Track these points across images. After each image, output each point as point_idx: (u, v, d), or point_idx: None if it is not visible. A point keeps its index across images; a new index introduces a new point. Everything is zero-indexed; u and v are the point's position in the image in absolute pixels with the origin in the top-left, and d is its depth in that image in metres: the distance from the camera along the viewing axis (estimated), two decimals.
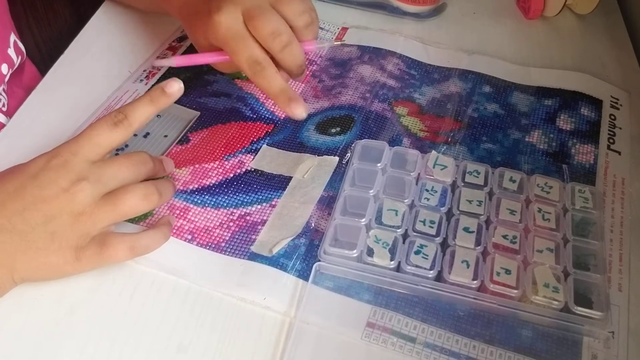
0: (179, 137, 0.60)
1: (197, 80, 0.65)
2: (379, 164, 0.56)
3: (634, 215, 0.55)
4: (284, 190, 0.56)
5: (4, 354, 0.45)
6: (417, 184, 0.55)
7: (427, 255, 0.49)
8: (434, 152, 0.57)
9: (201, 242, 0.52)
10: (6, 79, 0.62)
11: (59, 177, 0.46)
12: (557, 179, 0.55)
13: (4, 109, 0.62)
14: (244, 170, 0.58)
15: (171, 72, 0.66)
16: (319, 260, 0.50)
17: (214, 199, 0.55)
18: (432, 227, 0.51)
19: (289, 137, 0.61)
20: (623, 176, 0.59)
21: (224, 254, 0.51)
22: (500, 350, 0.46)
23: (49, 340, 0.46)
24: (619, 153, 0.61)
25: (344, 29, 0.74)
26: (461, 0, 0.80)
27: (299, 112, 0.53)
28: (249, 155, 0.59)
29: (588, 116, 0.64)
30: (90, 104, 0.62)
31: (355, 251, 0.49)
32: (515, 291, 0.47)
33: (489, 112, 0.64)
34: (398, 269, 0.49)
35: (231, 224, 0.53)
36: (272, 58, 0.54)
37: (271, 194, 0.56)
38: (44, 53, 0.83)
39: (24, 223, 0.45)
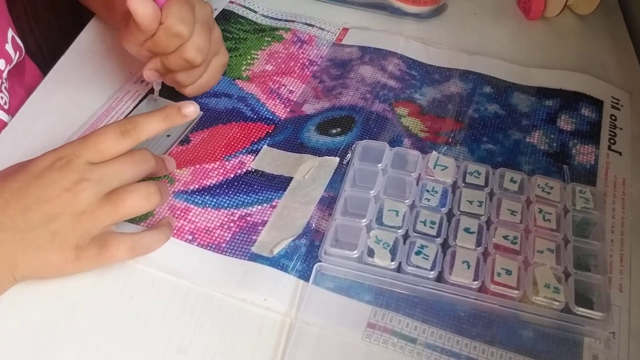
0: (181, 137, 0.60)
1: None
2: (379, 165, 0.56)
3: (635, 216, 0.55)
4: (285, 190, 0.56)
5: (4, 354, 0.45)
6: (417, 184, 0.55)
7: (428, 256, 0.49)
8: (434, 152, 0.57)
9: (202, 242, 0.52)
10: (4, 75, 0.62)
11: (61, 177, 0.46)
12: (558, 179, 0.55)
13: (5, 107, 0.62)
14: (244, 170, 0.58)
15: None
16: (320, 261, 0.50)
17: (215, 200, 0.55)
18: (432, 228, 0.51)
19: (290, 137, 0.61)
20: (624, 177, 0.59)
21: (225, 254, 0.51)
22: (501, 351, 0.46)
23: (48, 340, 0.45)
24: (620, 153, 0.61)
25: (345, 30, 0.74)
26: (462, 0, 0.80)
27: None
28: (249, 155, 0.59)
29: (589, 117, 0.64)
30: (91, 104, 0.62)
31: (355, 252, 0.49)
32: (516, 292, 0.47)
33: (489, 112, 0.64)
34: (399, 269, 0.49)
35: (232, 224, 0.53)
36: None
37: (272, 195, 0.56)
38: (45, 53, 0.83)
39: (26, 222, 0.45)
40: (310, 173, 0.57)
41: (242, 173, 0.57)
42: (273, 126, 0.62)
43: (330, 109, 0.64)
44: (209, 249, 0.51)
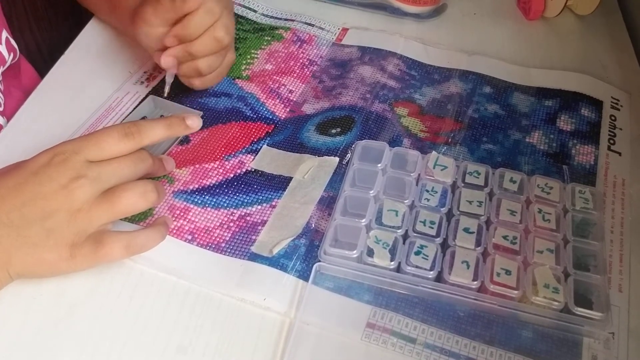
0: (180, 137, 0.60)
1: None
2: (379, 165, 0.56)
3: (634, 216, 0.55)
4: (284, 190, 0.56)
5: (4, 355, 0.45)
6: (417, 184, 0.55)
7: (427, 256, 0.49)
8: (434, 152, 0.57)
9: (201, 242, 0.52)
10: None
11: (58, 174, 0.46)
12: (558, 179, 0.55)
13: (0, 109, 0.62)
14: (244, 170, 0.58)
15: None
16: (319, 261, 0.50)
17: (214, 199, 0.55)
18: (432, 228, 0.51)
19: (290, 137, 0.61)
20: (623, 177, 0.59)
21: (224, 254, 0.51)
22: (500, 351, 0.46)
23: (48, 341, 0.45)
24: (620, 154, 0.61)
25: (345, 30, 0.74)
26: (462, 1, 0.80)
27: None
28: (249, 155, 0.59)
29: (588, 117, 0.64)
30: (91, 105, 0.62)
31: (355, 252, 0.49)
32: (516, 292, 0.47)
33: (489, 112, 0.64)
34: (398, 269, 0.49)
35: (231, 224, 0.53)
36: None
37: (271, 195, 0.56)
38: (44, 53, 0.83)
39: (22, 218, 0.45)
40: (309, 173, 0.57)
41: (242, 173, 0.57)
42: (273, 126, 0.62)
43: (330, 109, 0.64)
44: (208, 249, 0.51)
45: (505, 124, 0.63)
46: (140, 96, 0.64)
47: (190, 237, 0.52)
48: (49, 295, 0.48)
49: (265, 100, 0.64)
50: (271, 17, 0.75)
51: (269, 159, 0.58)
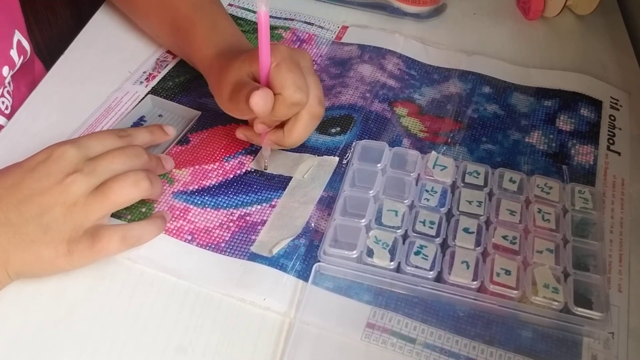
0: (180, 136, 0.60)
1: (197, 81, 0.65)
2: (378, 165, 0.56)
3: (634, 216, 0.55)
4: (284, 190, 0.56)
5: (3, 355, 0.45)
6: (417, 184, 0.55)
7: (427, 256, 0.49)
8: (433, 152, 0.57)
9: (201, 242, 0.52)
10: (6, 81, 0.62)
11: (55, 170, 0.46)
12: (557, 179, 0.55)
13: (7, 112, 0.62)
14: (243, 171, 0.57)
15: (173, 73, 0.66)
16: (319, 261, 0.50)
17: (214, 200, 0.55)
18: (432, 228, 0.51)
19: None
20: (623, 177, 0.59)
21: (224, 254, 0.51)
22: (500, 351, 0.46)
23: (48, 341, 0.45)
24: (619, 154, 0.61)
25: (344, 28, 0.74)
26: (461, 0, 0.80)
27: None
28: (249, 156, 0.59)
29: (588, 117, 0.64)
30: (90, 105, 0.62)
31: (355, 252, 0.49)
32: (515, 292, 0.47)
33: (488, 112, 0.64)
34: (398, 269, 0.49)
35: (231, 224, 0.53)
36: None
37: (271, 194, 0.56)
38: (44, 53, 0.83)
39: (19, 216, 0.45)
40: (309, 172, 0.57)
41: (242, 173, 0.57)
42: None
43: (329, 108, 0.63)
44: (208, 249, 0.51)
45: (505, 124, 0.63)
46: (140, 96, 0.64)
47: (190, 238, 0.52)
48: (48, 295, 0.48)
49: None
50: (270, 16, 0.75)
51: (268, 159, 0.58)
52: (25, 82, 0.67)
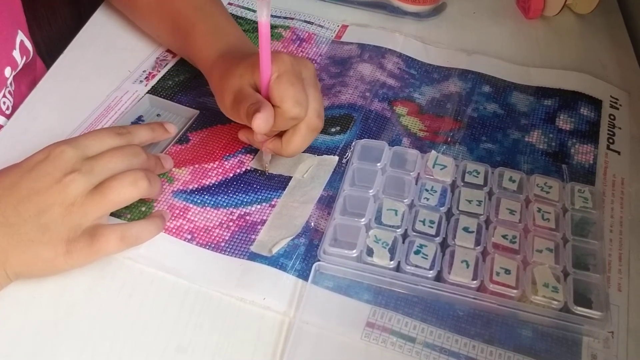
0: (179, 135, 0.60)
1: (197, 80, 0.65)
2: (378, 164, 0.56)
3: (634, 215, 0.55)
4: (284, 190, 0.56)
5: (3, 355, 0.45)
6: (416, 183, 0.55)
7: (427, 255, 0.49)
8: (433, 152, 0.57)
9: (201, 241, 0.52)
10: (8, 82, 0.62)
11: (53, 169, 0.46)
12: (557, 178, 0.55)
13: (7, 112, 0.62)
14: (243, 170, 0.57)
15: (173, 72, 0.66)
16: (319, 260, 0.50)
17: (214, 199, 0.55)
18: (431, 227, 0.51)
19: None
20: (622, 176, 0.59)
21: (224, 253, 0.51)
22: (499, 350, 0.46)
23: (47, 342, 0.45)
24: (619, 153, 0.61)
25: (344, 26, 0.74)
26: (461, 0, 0.80)
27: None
28: (248, 155, 0.59)
29: (587, 116, 0.64)
30: (89, 104, 0.62)
31: (354, 251, 0.49)
32: (515, 291, 0.47)
33: (488, 112, 0.64)
34: (398, 268, 0.49)
35: (231, 223, 0.53)
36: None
37: (271, 194, 0.56)
38: (43, 53, 0.83)
39: (17, 216, 0.45)
40: (309, 172, 0.57)
41: (241, 172, 0.57)
42: None
43: (329, 107, 0.63)
44: (208, 248, 0.51)
45: (505, 123, 0.63)
46: (140, 95, 0.64)
47: (189, 237, 0.52)
48: (48, 295, 0.48)
49: None
50: (270, 15, 0.75)
51: (268, 158, 0.58)
52: (26, 82, 0.67)
